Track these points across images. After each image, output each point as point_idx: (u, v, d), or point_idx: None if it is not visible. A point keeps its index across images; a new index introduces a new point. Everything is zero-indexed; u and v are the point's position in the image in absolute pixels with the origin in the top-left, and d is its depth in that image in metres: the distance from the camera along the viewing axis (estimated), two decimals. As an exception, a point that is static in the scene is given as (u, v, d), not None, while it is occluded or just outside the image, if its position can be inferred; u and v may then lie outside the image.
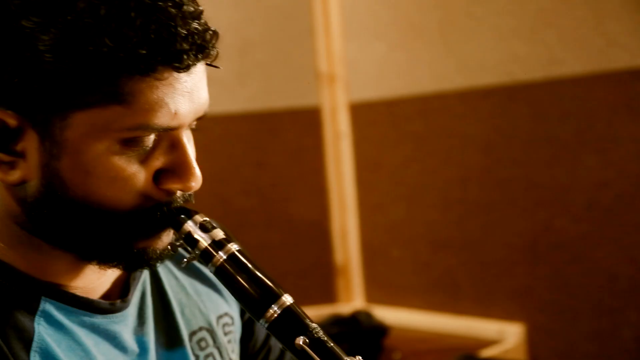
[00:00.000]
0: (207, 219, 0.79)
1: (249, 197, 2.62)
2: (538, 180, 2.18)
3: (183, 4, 0.73)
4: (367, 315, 2.19)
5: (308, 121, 2.69)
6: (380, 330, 2.15)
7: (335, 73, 2.68)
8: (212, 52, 0.76)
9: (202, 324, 0.94)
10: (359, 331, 2.13)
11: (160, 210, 0.78)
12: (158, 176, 0.77)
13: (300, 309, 0.77)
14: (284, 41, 2.67)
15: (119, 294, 0.87)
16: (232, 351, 0.97)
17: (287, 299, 0.76)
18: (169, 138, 0.77)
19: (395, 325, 2.34)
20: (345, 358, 0.75)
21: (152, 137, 0.75)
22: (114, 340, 0.84)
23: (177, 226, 0.79)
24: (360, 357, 0.77)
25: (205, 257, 0.78)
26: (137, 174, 0.75)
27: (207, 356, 0.93)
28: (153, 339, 0.88)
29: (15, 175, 0.76)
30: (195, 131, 0.82)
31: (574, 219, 2.12)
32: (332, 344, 0.76)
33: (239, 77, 2.61)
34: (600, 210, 2.07)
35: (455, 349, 2.07)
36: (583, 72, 2.07)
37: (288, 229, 2.67)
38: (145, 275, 0.91)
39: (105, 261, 0.81)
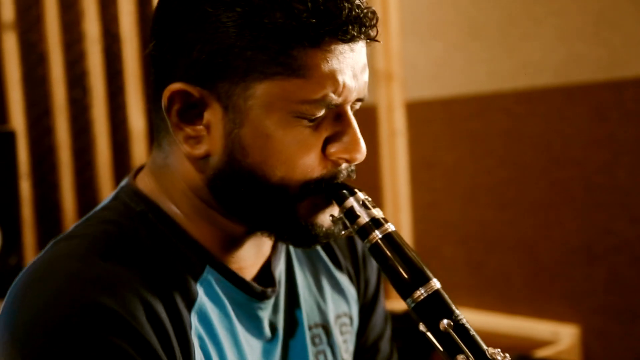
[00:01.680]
0: (369, 198, 0.83)
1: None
2: (597, 181, 2.17)
3: None
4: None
5: (364, 119, 2.67)
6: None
7: (393, 71, 2.69)
8: (372, 31, 0.81)
9: (320, 321, 0.97)
10: (412, 329, 2.14)
11: (326, 182, 0.83)
12: (325, 147, 0.82)
13: (446, 295, 0.79)
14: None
15: (262, 280, 0.92)
16: (346, 351, 1.00)
17: (436, 284, 0.79)
18: (336, 112, 0.82)
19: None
20: (486, 347, 0.77)
21: (323, 111, 0.80)
22: (255, 321, 0.89)
23: (340, 200, 0.83)
24: (499, 351, 0.78)
25: (363, 233, 0.81)
26: (310, 139, 0.81)
27: (319, 353, 0.96)
28: (282, 327, 0.93)
29: (201, 149, 0.82)
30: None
31: (632, 221, 2.10)
32: (474, 332, 0.78)
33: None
34: (660, 213, 2.05)
35: (509, 349, 2.06)
36: (646, 74, 2.05)
37: (342, 225, 2.69)
38: (282, 267, 0.95)
39: (275, 232, 0.87)
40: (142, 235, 0.84)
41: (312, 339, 0.95)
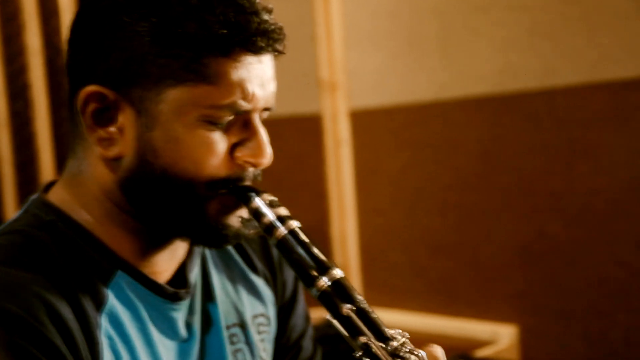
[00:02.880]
0: (275, 198, 0.89)
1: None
2: (532, 187, 2.25)
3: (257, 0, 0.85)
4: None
5: (309, 128, 2.76)
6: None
7: (336, 81, 2.74)
8: (279, 45, 0.88)
9: (236, 320, 1.01)
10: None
11: (232, 184, 0.88)
12: (233, 151, 0.88)
13: (349, 282, 0.84)
14: (286, 49, 2.73)
15: (176, 283, 0.95)
16: (264, 350, 1.04)
17: (338, 273, 0.83)
18: (244, 119, 0.88)
19: (393, 327, 2.39)
20: (386, 329, 0.82)
21: (230, 117, 0.86)
22: (169, 323, 0.93)
23: (247, 201, 0.88)
24: (406, 333, 0.82)
25: (269, 230, 0.86)
26: (218, 142, 0.86)
27: (236, 351, 1.00)
28: (199, 327, 0.96)
29: (114, 151, 0.86)
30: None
31: (567, 225, 2.18)
32: (376, 315, 0.82)
33: (243, 84, 2.67)
34: (592, 216, 2.13)
35: (450, 350, 2.12)
36: (576, 83, 2.13)
37: (289, 233, 2.72)
38: (197, 270, 0.99)
39: (186, 233, 0.91)
40: (48, 242, 0.87)
41: (230, 337, 0.99)
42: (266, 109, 0.90)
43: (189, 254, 0.98)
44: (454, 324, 2.42)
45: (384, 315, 2.75)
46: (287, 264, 0.88)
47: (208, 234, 0.90)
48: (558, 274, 2.20)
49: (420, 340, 2.65)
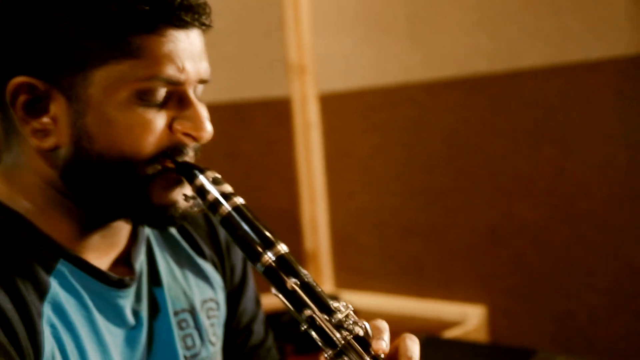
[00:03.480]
0: (219, 175, 0.88)
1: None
2: (499, 168, 2.27)
3: None
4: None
5: (278, 112, 2.75)
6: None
7: (305, 65, 2.74)
8: (206, 19, 0.86)
9: (185, 306, 1.01)
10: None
11: (174, 161, 0.87)
12: (171, 126, 0.86)
13: (293, 258, 0.84)
14: (254, 33, 2.72)
15: (122, 270, 0.94)
16: (214, 334, 1.04)
17: (283, 248, 0.84)
18: (179, 95, 0.87)
19: (363, 309, 2.42)
20: (330, 302, 0.82)
21: (163, 91, 0.85)
22: (115, 310, 0.92)
23: (191, 178, 0.87)
24: (350, 305, 0.83)
25: (213, 207, 0.85)
26: (154, 121, 0.85)
27: (186, 336, 1.00)
28: (146, 315, 0.96)
29: (49, 142, 0.85)
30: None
31: (533, 206, 2.21)
32: (320, 289, 0.83)
33: (210, 68, 2.65)
34: (558, 197, 2.16)
35: (420, 331, 2.15)
36: (542, 65, 2.15)
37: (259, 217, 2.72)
38: (143, 258, 0.98)
39: (131, 217, 0.90)
40: None
41: (179, 323, 0.99)
42: (202, 82, 0.90)
43: (134, 241, 0.98)
44: (424, 305, 2.45)
45: (354, 298, 2.79)
46: (232, 241, 0.87)
47: (153, 214, 0.90)
48: (525, 254, 2.23)
49: (390, 322, 2.66)
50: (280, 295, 0.83)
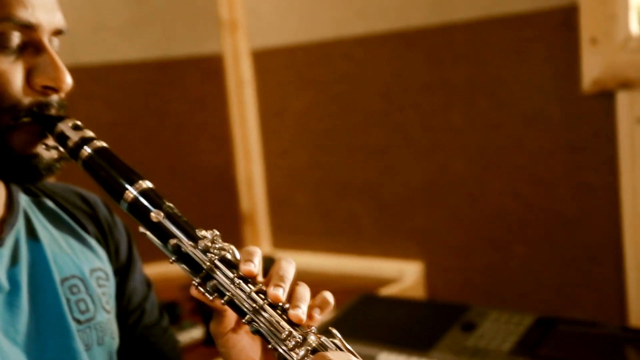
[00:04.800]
0: (79, 122, 0.87)
1: (151, 147, 2.59)
2: (434, 123, 2.25)
3: None
4: (270, 261, 2.21)
5: (210, 69, 2.67)
6: (284, 274, 2.18)
7: (237, 20, 2.65)
8: None
9: (75, 272, 0.98)
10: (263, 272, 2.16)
11: (35, 113, 0.86)
12: (30, 79, 0.85)
13: (157, 192, 0.85)
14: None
15: None
16: (107, 303, 1.01)
17: (146, 183, 0.84)
18: (34, 44, 0.85)
19: (300, 269, 2.38)
20: (196, 230, 0.83)
21: (16, 36, 0.84)
22: None
23: (51, 127, 0.86)
24: (215, 230, 0.85)
25: (74, 152, 0.86)
26: (9, 70, 0.84)
27: (78, 301, 0.97)
28: (26, 279, 0.93)
29: None
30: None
31: (468, 160, 2.20)
32: (185, 219, 0.84)
33: (137, 24, 2.55)
34: (492, 151, 2.15)
35: (357, 289, 2.14)
36: (475, 18, 2.12)
37: (193, 178, 2.66)
38: (20, 225, 0.95)
39: None
40: None
41: (70, 288, 0.97)
42: (57, 33, 0.89)
43: (9, 210, 0.95)
44: (361, 263, 2.44)
45: (292, 258, 2.74)
46: (97, 184, 0.87)
47: (17, 167, 0.88)
48: (460, 209, 2.23)
49: (328, 280, 2.65)
50: (148, 232, 0.83)
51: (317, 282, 2.64)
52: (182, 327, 1.87)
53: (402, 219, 2.36)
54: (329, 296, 0.85)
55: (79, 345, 0.95)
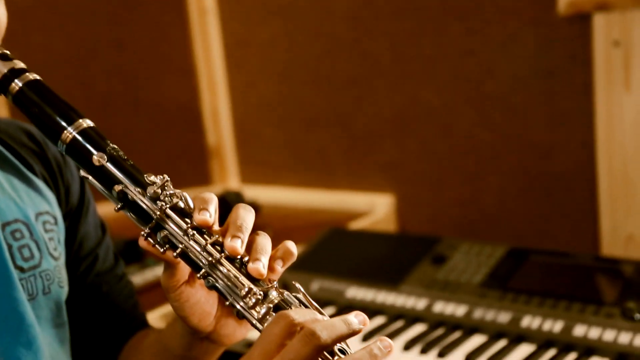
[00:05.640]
0: (7, 52, 0.80)
1: (111, 80, 2.47)
2: (404, 51, 2.16)
3: None
4: (237, 195, 2.16)
5: (171, -3, 2.54)
6: (251, 210, 2.12)
7: (197, -57, 2.51)
8: None
9: (18, 216, 0.91)
10: (229, 211, 2.10)
11: None
12: None
13: (100, 132, 0.77)
14: None
15: None
16: (55, 249, 0.94)
17: (86, 122, 0.77)
18: None
19: (269, 203, 2.33)
20: (144, 175, 0.76)
21: None
22: None
23: None
24: (165, 175, 0.78)
25: (3, 86, 0.79)
26: None
27: (22, 247, 0.90)
28: None
29: None
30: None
31: (439, 90, 2.13)
32: (132, 163, 0.77)
33: (90, -51, 2.41)
34: (464, 79, 2.08)
35: (327, 223, 2.09)
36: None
37: (156, 112, 2.56)
38: None
39: None
40: None
41: (12, 233, 0.90)
42: None
43: None
44: (331, 197, 2.38)
45: (260, 192, 2.69)
46: (30, 120, 0.79)
47: None
48: (431, 140, 2.17)
49: (298, 215, 2.58)
50: (90, 177, 0.76)
51: (284, 216, 2.60)
52: (145, 265, 1.81)
53: (372, 151, 2.29)
54: (291, 246, 0.78)
55: (21, 295, 0.87)
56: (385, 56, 2.20)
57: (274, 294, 0.72)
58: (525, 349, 1.44)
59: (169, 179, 0.77)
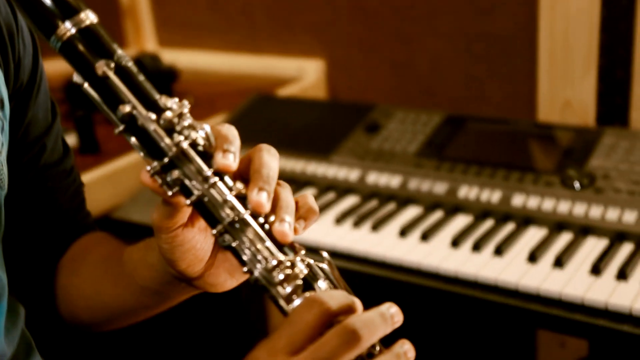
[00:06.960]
0: None
1: None
2: None
3: None
4: (153, 59, 1.97)
5: None
6: (169, 75, 1.94)
7: None
8: None
9: None
10: (146, 74, 1.92)
11: None
12: None
13: (105, 32, 0.62)
14: None
15: None
16: (1, 131, 0.76)
17: (89, 17, 0.61)
18: None
19: (189, 68, 2.16)
20: (158, 96, 0.62)
21: None
22: None
23: None
24: (185, 100, 0.63)
25: None
26: None
27: None
28: None
29: None
30: None
31: (374, -57, 1.95)
32: (144, 78, 0.62)
33: None
34: None
35: (253, 90, 1.95)
36: None
37: None
38: None
39: None
40: None
41: None
42: None
43: None
44: (257, 62, 2.22)
45: (179, 56, 2.49)
46: (18, 9, 0.62)
47: None
48: (363, 0, 2.01)
49: (221, 81, 2.39)
50: (90, 90, 0.61)
51: (206, 82, 2.42)
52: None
53: (300, 11, 2.12)
54: (312, 202, 0.65)
55: None
56: None
57: (300, 266, 0.60)
58: (462, 220, 1.38)
59: (188, 105, 0.62)
